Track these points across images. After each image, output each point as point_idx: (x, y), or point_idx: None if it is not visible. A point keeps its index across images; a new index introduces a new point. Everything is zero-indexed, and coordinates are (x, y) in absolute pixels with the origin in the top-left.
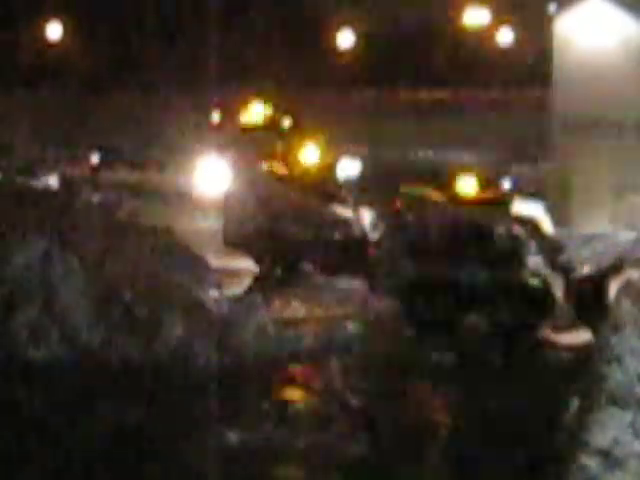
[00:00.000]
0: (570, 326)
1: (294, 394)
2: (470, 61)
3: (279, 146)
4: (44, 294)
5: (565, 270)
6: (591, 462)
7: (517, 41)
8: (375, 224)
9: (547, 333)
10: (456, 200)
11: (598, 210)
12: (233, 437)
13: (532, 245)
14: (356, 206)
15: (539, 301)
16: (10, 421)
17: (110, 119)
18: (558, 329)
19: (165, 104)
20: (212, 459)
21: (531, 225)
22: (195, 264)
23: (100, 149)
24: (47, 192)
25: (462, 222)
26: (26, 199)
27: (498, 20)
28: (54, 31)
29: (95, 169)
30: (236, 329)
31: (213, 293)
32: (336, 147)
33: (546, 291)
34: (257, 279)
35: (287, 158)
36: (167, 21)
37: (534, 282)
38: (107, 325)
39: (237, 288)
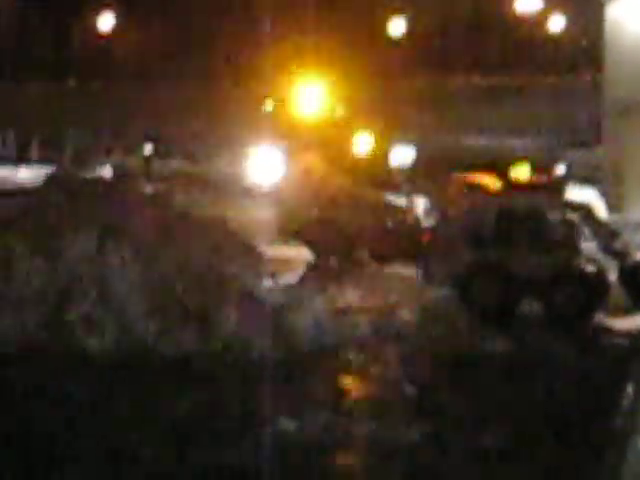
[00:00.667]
0: (625, 311)
1: (349, 383)
2: (522, 47)
3: (333, 134)
4: (98, 286)
5: (619, 256)
6: None
7: (569, 27)
8: (429, 211)
9: (602, 319)
10: (510, 186)
11: None
12: (290, 425)
13: (586, 231)
14: (410, 193)
15: (594, 287)
16: (67, 412)
17: (163, 110)
18: (613, 314)
19: (218, 94)
20: (269, 447)
21: (585, 211)
22: (249, 254)
23: (153, 140)
24: (100, 183)
25: (516, 208)
26: (79, 191)
27: (550, 6)
28: (106, 22)
29: (148, 160)
30: (290, 318)
31: (267, 282)
32: (390, 134)
33: (601, 277)
34: (311, 268)
35: (341, 146)
36: (218, 12)
37: (589, 268)
38: (161, 316)
39: (291, 277)
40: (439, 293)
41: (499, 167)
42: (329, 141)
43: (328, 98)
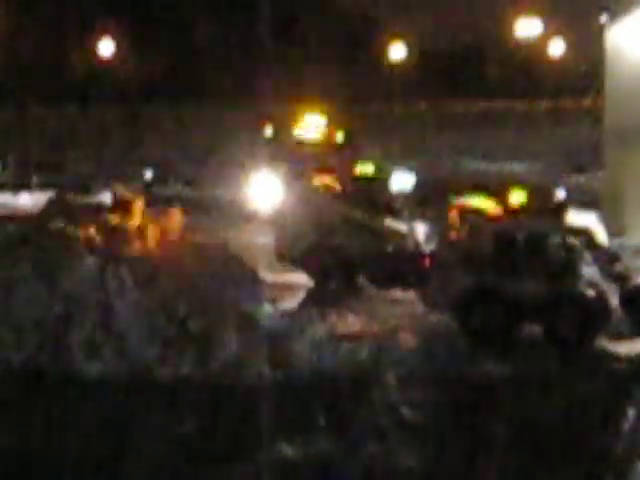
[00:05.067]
0: (625, 336)
1: (349, 408)
2: (522, 72)
3: (332, 160)
4: (99, 310)
5: (620, 280)
6: None
7: (569, 52)
8: (429, 236)
9: (603, 343)
10: (510, 211)
11: None
12: (288, 451)
13: (586, 255)
14: (410, 219)
15: (594, 311)
16: (66, 435)
17: (162, 135)
18: (614, 339)
19: (218, 119)
20: (267, 474)
21: (585, 235)
22: (248, 279)
23: (153, 165)
24: (101, 209)
25: (516, 233)
26: (80, 216)
27: (550, 31)
28: (106, 49)
29: (149, 185)
30: (290, 343)
31: (267, 308)
32: (390, 160)
33: (601, 301)
34: (311, 293)
35: (340, 172)
36: (218, 38)
37: (589, 292)
38: (161, 341)
39: (291, 302)
40: (439, 318)
41: (499, 192)
42: (329, 166)
43: (328, 124)
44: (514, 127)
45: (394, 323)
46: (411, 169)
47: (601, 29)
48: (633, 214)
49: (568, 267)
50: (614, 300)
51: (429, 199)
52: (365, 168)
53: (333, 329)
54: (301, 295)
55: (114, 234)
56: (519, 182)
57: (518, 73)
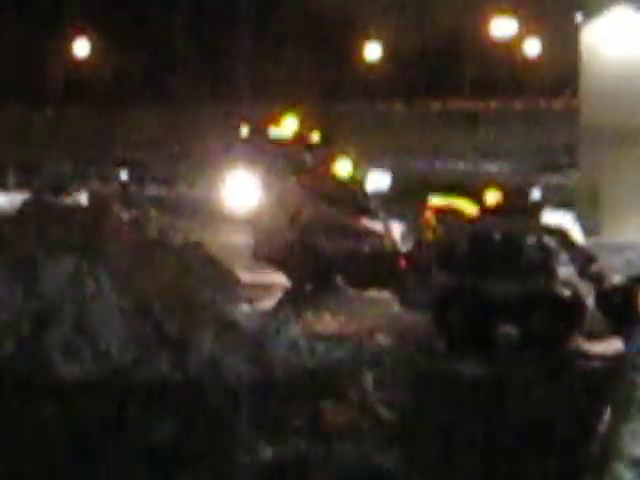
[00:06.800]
0: (601, 335)
1: (327, 408)
2: (498, 72)
3: (308, 160)
4: (75, 311)
5: (596, 280)
6: (625, 471)
7: (544, 51)
8: (405, 236)
9: (579, 343)
10: (486, 211)
11: (628, 219)
12: (266, 452)
13: (562, 255)
14: (386, 219)
15: (570, 311)
16: (43, 438)
17: (139, 135)
18: (590, 339)
19: (194, 119)
20: (245, 475)
21: (561, 235)
22: (226, 279)
23: (129, 165)
24: (77, 209)
25: (492, 233)
26: (56, 216)
27: (525, 31)
28: (82, 48)
29: (124, 185)
30: (267, 344)
31: (244, 308)
32: (365, 160)
33: (577, 301)
34: (288, 293)
35: (317, 172)
36: (195, 38)
37: (565, 292)
38: (138, 341)
39: (268, 302)
40: (416, 318)
41: (475, 191)
42: (305, 166)
43: (305, 123)
44: (490, 127)
45: (371, 323)
46: (387, 169)
47: (576, 28)
48: (609, 213)
49: (544, 267)
50: (590, 300)
51: (405, 199)
52: (341, 168)
53: (310, 329)
54: (279, 295)
55: (91, 234)
56: (495, 182)
57: (494, 73)
